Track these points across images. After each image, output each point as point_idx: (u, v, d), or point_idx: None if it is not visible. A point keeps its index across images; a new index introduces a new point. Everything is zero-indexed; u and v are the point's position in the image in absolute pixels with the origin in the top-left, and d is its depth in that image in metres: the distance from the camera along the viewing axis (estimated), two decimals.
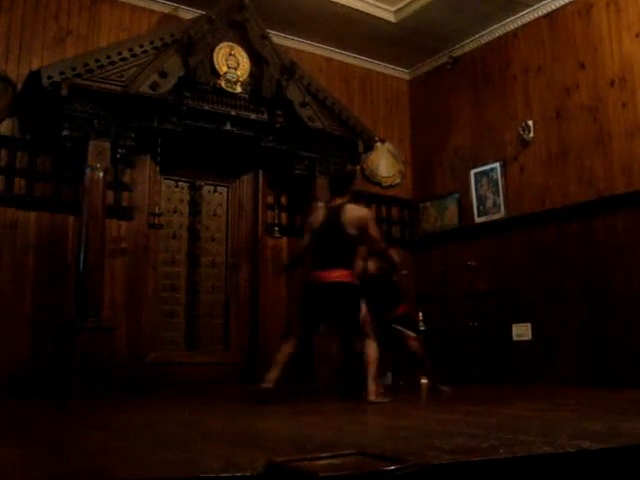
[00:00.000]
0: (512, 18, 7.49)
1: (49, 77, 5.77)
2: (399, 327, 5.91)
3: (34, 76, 5.90)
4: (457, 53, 8.18)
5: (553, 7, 7.10)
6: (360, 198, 5.50)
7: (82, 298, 5.80)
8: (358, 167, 7.84)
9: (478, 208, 7.70)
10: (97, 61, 6.00)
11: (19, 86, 6.18)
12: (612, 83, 6.50)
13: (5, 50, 6.22)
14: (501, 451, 2.33)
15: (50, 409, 4.72)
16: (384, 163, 8.46)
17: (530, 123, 7.22)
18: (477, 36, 7.92)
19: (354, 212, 5.07)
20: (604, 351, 6.20)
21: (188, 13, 7.09)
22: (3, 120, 6.13)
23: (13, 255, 6.01)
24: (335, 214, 5.03)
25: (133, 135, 6.20)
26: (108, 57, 6.06)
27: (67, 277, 6.10)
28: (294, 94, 6.89)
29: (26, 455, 2.46)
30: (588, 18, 6.75)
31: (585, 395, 5.34)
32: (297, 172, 7.11)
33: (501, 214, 7.45)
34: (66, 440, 2.94)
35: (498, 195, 7.48)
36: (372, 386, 4.91)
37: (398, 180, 8.58)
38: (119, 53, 6.13)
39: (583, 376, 6.20)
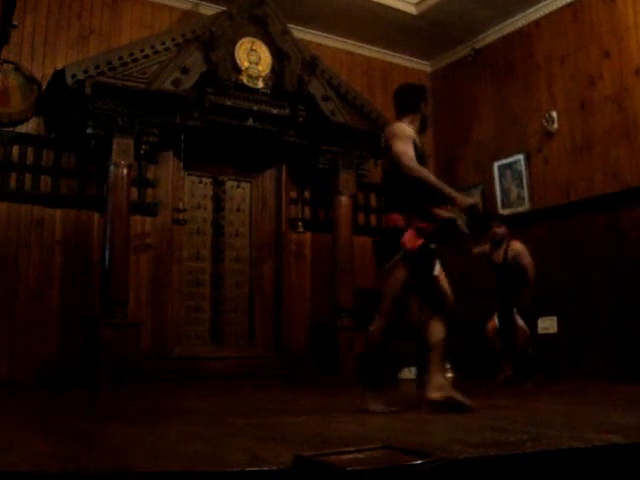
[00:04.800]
0: (535, 8, 7.41)
1: (73, 76, 5.83)
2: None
3: (58, 75, 5.96)
4: (479, 44, 8.12)
5: None
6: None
7: (107, 294, 5.87)
8: (380, 161, 7.80)
9: (502, 200, 7.65)
10: (120, 59, 6.04)
11: (44, 85, 6.26)
12: (638, 72, 6.41)
13: (30, 50, 6.30)
14: (528, 445, 2.32)
15: (78, 402, 4.77)
16: None
17: (554, 114, 7.15)
18: (499, 27, 7.85)
19: (387, 133, 3.91)
20: (633, 345, 6.11)
21: (209, 9, 7.11)
22: (29, 119, 6.21)
23: (40, 252, 6.10)
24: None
25: (156, 131, 6.25)
26: (131, 54, 6.11)
27: (93, 273, 6.18)
28: (316, 88, 6.89)
29: (58, 449, 2.49)
30: (613, 6, 6.65)
31: (613, 389, 5.28)
32: (320, 166, 7.12)
33: (525, 206, 7.39)
34: (96, 434, 2.97)
35: (522, 187, 7.42)
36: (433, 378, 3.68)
37: None
38: (141, 50, 6.17)
39: (611, 370, 6.11)
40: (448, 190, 3.68)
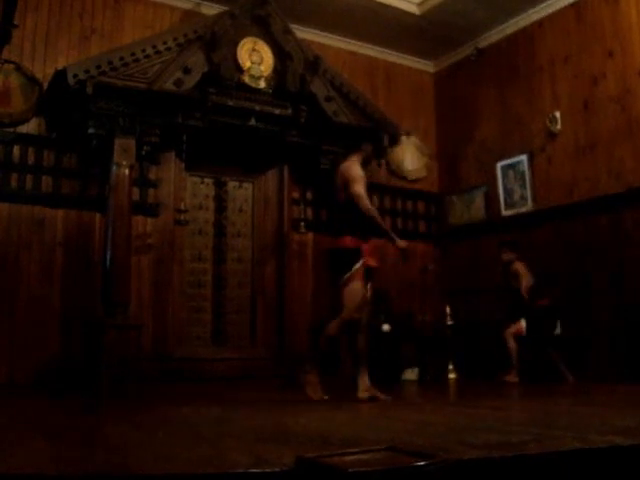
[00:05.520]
0: (538, 8, 7.39)
1: (74, 75, 5.80)
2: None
3: (60, 75, 5.94)
4: (482, 44, 8.09)
5: None
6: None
7: (109, 295, 5.84)
8: (383, 161, 7.79)
9: (505, 201, 7.62)
10: (121, 59, 6.02)
11: (45, 85, 6.24)
12: None
13: (32, 50, 6.29)
14: (532, 446, 2.30)
15: (79, 405, 4.76)
16: (409, 157, 8.41)
17: (557, 114, 7.12)
18: (502, 27, 7.83)
19: (344, 172, 4.89)
20: (636, 346, 6.07)
21: (210, 9, 7.10)
22: (30, 119, 6.20)
23: (41, 252, 6.08)
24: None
25: (158, 132, 6.22)
26: (132, 54, 6.08)
27: (94, 274, 6.14)
28: (318, 89, 6.86)
29: (59, 451, 2.47)
30: (616, 6, 6.63)
31: (615, 391, 5.26)
32: (322, 167, 7.08)
33: (528, 207, 7.36)
34: (96, 436, 2.95)
35: (525, 188, 7.40)
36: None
37: (424, 174, 8.52)
38: (143, 50, 6.15)
39: (614, 372, 6.09)
40: (390, 232, 4.89)
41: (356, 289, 4.58)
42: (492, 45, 8.03)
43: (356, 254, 4.63)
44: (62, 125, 6.26)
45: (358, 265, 4.58)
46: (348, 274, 4.58)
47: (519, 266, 6.73)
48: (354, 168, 4.88)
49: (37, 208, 6.10)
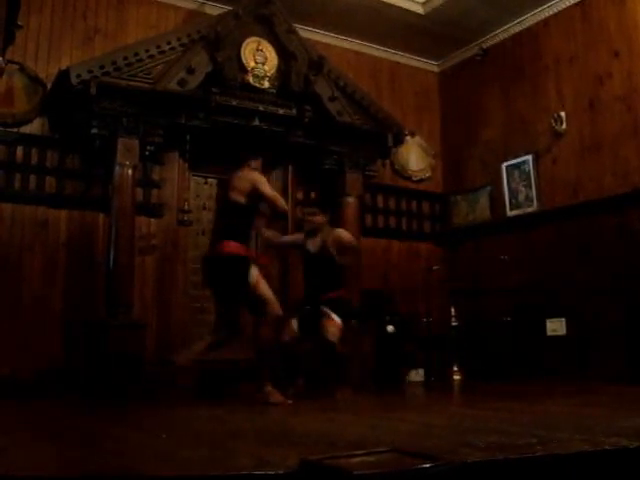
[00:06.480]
0: (543, 7, 7.36)
1: (78, 76, 5.79)
2: (326, 309, 5.33)
3: (63, 75, 5.93)
4: (487, 44, 8.06)
5: None
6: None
7: (112, 295, 5.83)
8: (388, 161, 7.77)
9: (510, 201, 7.59)
10: (125, 59, 6.00)
11: (48, 85, 6.23)
12: None
13: (35, 50, 6.28)
14: (537, 448, 2.28)
15: (82, 407, 4.74)
16: (414, 157, 8.38)
17: (562, 114, 7.09)
18: (507, 26, 7.80)
19: (249, 177, 4.92)
20: (637, 347, 6.04)
21: (214, 9, 7.09)
22: (33, 119, 6.19)
23: (44, 253, 6.06)
24: (226, 185, 5.09)
25: (161, 132, 6.20)
26: (136, 54, 6.07)
27: (97, 274, 6.13)
28: (322, 89, 6.84)
29: (60, 452, 2.46)
30: (622, 5, 6.60)
31: (620, 391, 5.23)
32: (326, 167, 7.07)
33: (534, 207, 7.33)
34: (98, 438, 2.94)
35: (530, 188, 7.36)
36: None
37: (428, 174, 8.49)
38: (146, 50, 6.13)
39: (619, 372, 6.05)
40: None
41: (262, 291, 4.72)
42: (497, 45, 8.00)
43: (243, 262, 4.66)
44: (65, 125, 6.25)
45: (255, 273, 4.66)
46: (251, 285, 4.65)
47: (344, 231, 5.64)
48: (257, 174, 5.00)
49: (40, 208, 6.09)
